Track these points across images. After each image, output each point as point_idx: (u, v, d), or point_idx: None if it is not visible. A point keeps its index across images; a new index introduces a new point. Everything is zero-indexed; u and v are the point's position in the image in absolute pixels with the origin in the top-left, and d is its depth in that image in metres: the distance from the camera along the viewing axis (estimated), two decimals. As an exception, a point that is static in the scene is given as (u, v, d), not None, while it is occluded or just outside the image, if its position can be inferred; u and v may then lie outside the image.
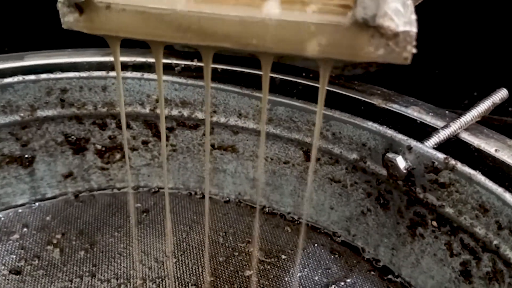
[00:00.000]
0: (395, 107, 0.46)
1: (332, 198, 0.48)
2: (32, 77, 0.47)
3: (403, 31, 0.27)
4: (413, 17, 0.28)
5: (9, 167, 0.49)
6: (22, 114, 0.48)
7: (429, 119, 0.45)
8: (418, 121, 0.45)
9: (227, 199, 0.53)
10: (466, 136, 0.43)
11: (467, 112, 0.44)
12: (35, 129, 0.49)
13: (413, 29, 0.27)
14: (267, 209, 0.52)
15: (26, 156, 0.50)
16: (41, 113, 0.48)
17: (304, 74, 0.49)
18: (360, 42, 0.27)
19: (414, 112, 0.45)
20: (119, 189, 0.54)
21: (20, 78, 0.47)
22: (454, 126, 0.43)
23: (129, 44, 0.52)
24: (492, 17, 0.65)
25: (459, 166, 0.38)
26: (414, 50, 0.27)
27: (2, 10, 0.70)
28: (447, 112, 0.46)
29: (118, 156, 0.53)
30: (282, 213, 0.52)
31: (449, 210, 0.40)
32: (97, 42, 0.53)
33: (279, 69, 0.49)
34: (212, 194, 0.54)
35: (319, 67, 0.30)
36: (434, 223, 0.41)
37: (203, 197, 0.54)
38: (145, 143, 0.52)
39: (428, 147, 0.40)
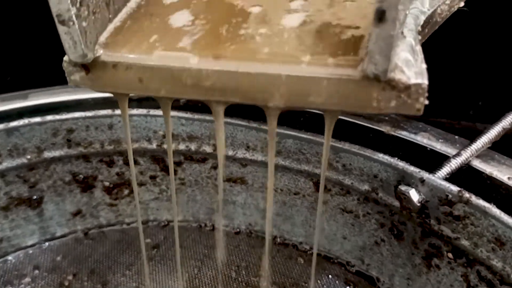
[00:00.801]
0: (404, 134, 0.46)
1: (345, 228, 0.48)
2: (37, 119, 0.47)
3: (415, 84, 0.26)
4: (424, 66, 0.28)
5: (18, 209, 0.49)
6: (29, 157, 0.47)
7: (439, 146, 0.44)
8: (428, 149, 0.44)
9: (238, 230, 0.53)
10: (477, 164, 0.42)
11: (477, 139, 0.43)
12: (42, 170, 0.49)
13: (425, 81, 0.26)
14: (278, 239, 0.52)
15: (35, 197, 0.49)
16: (48, 154, 0.48)
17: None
18: (371, 95, 0.27)
19: (423, 139, 0.45)
20: (128, 224, 0.54)
21: (26, 121, 0.46)
22: (466, 155, 0.42)
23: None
24: (498, 28, 0.64)
25: (474, 199, 0.38)
26: (427, 102, 0.27)
27: (5, 44, 0.69)
28: (456, 137, 0.46)
29: (126, 191, 0.52)
30: (294, 243, 0.51)
31: (464, 242, 0.39)
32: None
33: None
34: (222, 225, 0.54)
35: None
36: (450, 254, 0.41)
37: (213, 229, 0.54)
38: (153, 177, 0.52)
39: (440, 178, 0.40)
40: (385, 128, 0.47)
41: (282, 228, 0.51)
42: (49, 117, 0.47)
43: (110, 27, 0.31)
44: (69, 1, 0.26)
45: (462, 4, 0.40)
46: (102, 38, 0.30)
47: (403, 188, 0.41)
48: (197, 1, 0.34)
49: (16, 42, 0.69)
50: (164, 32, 0.31)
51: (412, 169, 0.41)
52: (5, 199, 0.48)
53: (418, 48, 0.29)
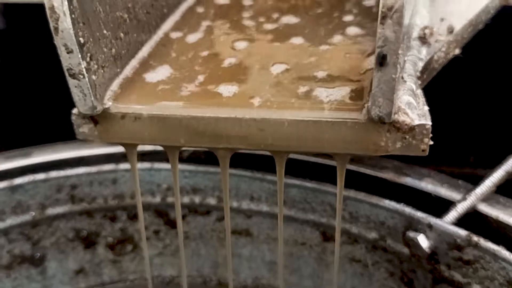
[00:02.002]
0: (408, 181, 0.46)
1: (354, 278, 0.47)
2: (41, 176, 0.47)
3: (418, 125, 0.27)
4: (426, 108, 0.28)
5: (20, 267, 0.48)
6: (32, 214, 0.47)
7: (444, 192, 0.44)
8: (433, 195, 0.44)
9: (244, 284, 0.52)
10: (483, 208, 0.42)
11: (481, 183, 0.43)
12: (46, 227, 0.48)
13: (428, 122, 0.27)
14: (286, 292, 0.51)
15: (37, 254, 0.49)
16: (51, 211, 0.48)
17: (313, 152, 0.49)
18: (376, 137, 0.27)
19: (428, 185, 0.45)
20: (132, 281, 0.53)
21: (30, 177, 0.46)
22: (471, 199, 0.42)
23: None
24: (496, 75, 0.65)
25: (482, 242, 0.38)
26: (431, 142, 0.27)
27: (5, 102, 0.71)
28: (460, 182, 0.46)
29: (129, 247, 0.52)
30: (302, 296, 0.50)
31: (476, 287, 0.38)
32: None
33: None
34: (227, 280, 0.52)
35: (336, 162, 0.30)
36: (463, 301, 0.40)
37: (219, 283, 0.53)
38: (156, 232, 0.51)
39: (448, 223, 0.39)
40: (388, 175, 0.47)
41: (289, 280, 0.50)
42: (53, 174, 0.47)
43: (118, 80, 0.32)
44: (79, 56, 0.27)
45: (457, 51, 0.41)
46: (111, 91, 0.31)
47: (411, 234, 0.40)
48: (202, 60, 0.35)
49: (18, 99, 0.71)
50: (169, 84, 0.31)
51: (419, 214, 0.41)
52: (8, 257, 0.48)
53: (419, 91, 0.30)
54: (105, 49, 0.30)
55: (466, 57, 0.42)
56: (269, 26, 0.39)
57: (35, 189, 0.47)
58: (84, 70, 0.27)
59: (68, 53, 0.27)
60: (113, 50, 0.31)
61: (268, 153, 0.48)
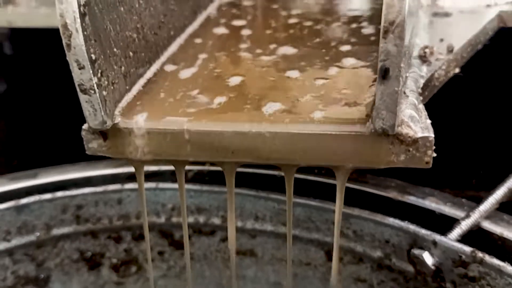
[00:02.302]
0: (412, 200, 0.46)
1: (359, 298, 0.47)
2: (47, 196, 0.47)
3: (421, 137, 0.28)
4: (428, 121, 0.29)
5: (24, 289, 0.48)
6: (38, 234, 0.47)
7: (447, 210, 0.44)
8: (437, 213, 0.44)
9: (248, 306, 0.52)
10: (487, 225, 0.42)
11: (485, 200, 0.43)
12: (50, 248, 0.48)
13: (431, 134, 0.28)
14: (290, 314, 0.50)
15: (42, 276, 0.49)
16: (56, 231, 0.48)
17: (316, 171, 0.50)
18: (381, 150, 0.28)
19: (432, 204, 0.45)
20: (135, 303, 0.53)
21: (36, 198, 0.47)
22: (475, 216, 0.42)
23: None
24: (496, 98, 0.66)
25: (488, 258, 0.38)
26: (434, 154, 0.28)
27: (12, 126, 0.72)
28: (464, 200, 0.46)
29: (133, 269, 0.52)
30: (308, 318, 0.50)
31: (483, 305, 0.38)
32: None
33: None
34: (232, 301, 0.52)
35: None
36: (470, 320, 0.40)
37: (223, 305, 0.52)
38: (161, 253, 0.51)
39: (452, 240, 0.39)
40: (392, 194, 0.47)
41: (294, 302, 0.50)
42: (59, 194, 0.47)
43: (128, 96, 0.32)
44: (91, 71, 0.28)
45: (457, 70, 0.42)
46: (120, 107, 0.31)
47: (416, 251, 0.40)
48: (208, 78, 0.36)
49: (24, 123, 0.72)
50: (177, 100, 0.32)
51: (423, 232, 0.41)
52: (12, 279, 0.47)
53: (421, 106, 0.31)
54: (115, 67, 0.31)
55: (464, 81, 0.43)
56: (265, 59, 0.38)
57: (40, 209, 0.47)
58: (95, 85, 0.28)
59: (79, 69, 0.27)
60: (123, 68, 0.32)
61: (270, 172, 0.49)
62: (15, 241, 0.47)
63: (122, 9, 0.32)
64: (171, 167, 0.50)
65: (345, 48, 0.39)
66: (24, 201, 0.46)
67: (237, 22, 0.48)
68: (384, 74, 0.26)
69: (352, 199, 0.46)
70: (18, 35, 0.72)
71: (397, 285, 0.44)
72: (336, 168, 0.30)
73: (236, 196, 0.47)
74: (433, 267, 0.39)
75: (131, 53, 0.33)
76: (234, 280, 0.36)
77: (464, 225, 0.42)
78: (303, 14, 0.48)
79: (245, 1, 0.54)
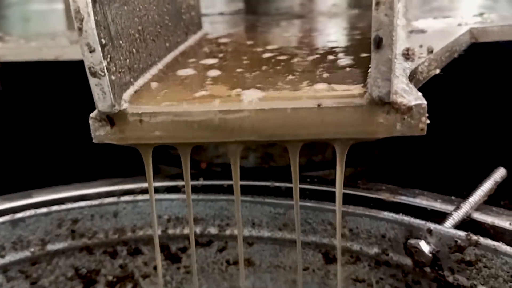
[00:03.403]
0: (403, 199, 0.47)
1: (358, 300, 0.47)
2: (43, 209, 0.47)
3: (415, 104, 0.29)
4: (420, 94, 0.31)
5: (17, 309, 0.47)
6: (32, 250, 0.47)
7: (439, 206, 0.46)
8: (429, 209, 0.46)
9: (247, 319, 0.51)
10: (478, 216, 0.44)
11: (473, 193, 0.45)
12: (45, 265, 0.48)
13: (424, 101, 0.30)
14: (290, 324, 0.50)
15: (35, 295, 0.47)
16: (51, 247, 0.47)
17: (308, 180, 0.51)
18: (378, 120, 0.30)
19: (422, 201, 0.47)
20: (131, 323, 0.51)
21: (32, 212, 0.47)
22: (465, 208, 0.44)
23: (132, 173, 0.54)
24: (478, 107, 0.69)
25: (482, 240, 0.39)
26: (428, 121, 0.30)
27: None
28: (453, 197, 0.48)
29: (129, 286, 0.51)
30: (307, 326, 0.49)
31: (482, 288, 0.39)
32: (101, 174, 0.55)
33: (286, 178, 0.51)
34: (230, 316, 0.51)
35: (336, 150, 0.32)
36: (470, 305, 0.40)
37: (222, 320, 0.52)
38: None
39: (447, 227, 0.41)
40: (384, 196, 0.48)
41: (293, 311, 0.50)
42: (55, 207, 0.47)
43: (131, 89, 0.34)
44: (101, 54, 0.29)
45: (438, 71, 0.45)
46: (125, 96, 0.33)
47: (412, 241, 0.41)
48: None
49: (15, 150, 0.72)
50: (181, 89, 0.34)
51: (418, 222, 0.42)
52: (5, 298, 0.46)
53: (411, 85, 0.33)
54: (121, 57, 0.32)
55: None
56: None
57: (36, 224, 0.47)
58: (104, 68, 0.29)
59: (90, 52, 0.29)
60: (128, 61, 0.33)
61: (264, 183, 0.50)
62: (9, 257, 0.46)
63: (125, 8, 0.34)
64: (165, 183, 0.52)
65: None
66: (19, 215, 0.46)
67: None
68: (378, 44, 0.28)
69: (345, 203, 0.47)
70: (7, 70, 0.73)
71: (396, 281, 0.44)
72: (336, 142, 0.31)
73: (231, 203, 0.49)
74: (430, 255, 0.40)
75: (134, 50, 0.35)
76: (241, 264, 0.36)
77: (456, 216, 0.43)
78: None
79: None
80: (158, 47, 0.41)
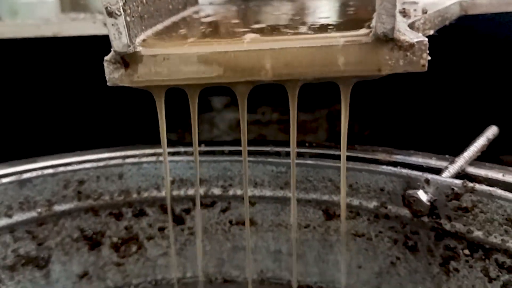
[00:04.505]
0: (399, 158, 0.49)
1: (359, 255, 0.48)
2: (50, 170, 0.48)
3: (417, 41, 0.31)
4: (420, 34, 0.33)
5: (25, 269, 0.48)
6: (39, 210, 0.47)
7: (434, 162, 0.48)
8: (425, 166, 0.48)
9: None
10: (472, 170, 0.45)
11: (467, 149, 0.47)
12: (51, 226, 0.48)
13: (425, 39, 0.31)
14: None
15: (42, 256, 0.48)
16: (58, 208, 0.48)
17: (307, 144, 0.52)
18: (382, 57, 0.31)
19: (418, 159, 0.48)
20: (136, 286, 0.52)
21: (39, 172, 0.47)
22: (460, 162, 0.46)
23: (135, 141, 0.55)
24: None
25: (478, 186, 0.41)
26: (429, 57, 0.31)
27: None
28: (447, 156, 0.49)
29: (134, 248, 0.52)
30: (309, 284, 0.51)
31: (478, 233, 0.41)
32: (100, 143, 0.55)
33: (284, 144, 0.52)
34: (232, 276, 0.53)
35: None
36: (466, 251, 0.42)
37: (224, 281, 0.53)
38: (161, 229, 0.52)
39: (444, 177, 0.42)
40: (380, 156, 0.50)
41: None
42: (61, 168, 0.48)
43: (143, 36, 0.35)
44: (117, -5, 0.30)
45: (432, 32, 0.47)
46: (138, 41, 0.34)
47: (410, 191, 0.43)
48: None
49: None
50: (188, 40, 0.35)
51: (416, 173, 0.44)
52: (12, 257, 0.47)
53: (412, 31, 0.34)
54: (134, 3, 0.33)
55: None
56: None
57: (43, 184, 0.47)
58: (121, 8, 0.31)
59: (107, -8, 0.30)
60: (139, 8, 0.35)
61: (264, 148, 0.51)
62: (17, 217, 0.47)
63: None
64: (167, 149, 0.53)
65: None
66: (26, 175, 0.47)
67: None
68: (382, -19, 0.29)
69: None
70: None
71: (394, 233, 0.46)
72: (341, 80, 0.33)
73: (234, 163, 0.50)
74: (428, 204, 0.42)
75: (144, 1, 0.36)
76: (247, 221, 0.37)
77: (451, 169, 0.45)
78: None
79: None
80: (162, 7, 0.42)
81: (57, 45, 0.65)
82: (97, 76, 0.37)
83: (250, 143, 0.52)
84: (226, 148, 0.52)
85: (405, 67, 0.31)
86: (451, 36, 0.54)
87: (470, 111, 0.69)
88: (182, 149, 0.52)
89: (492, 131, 0.49)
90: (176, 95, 0.37)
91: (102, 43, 0.35)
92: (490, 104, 0.67)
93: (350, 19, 0.42)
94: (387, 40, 0.31)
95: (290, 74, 0.32)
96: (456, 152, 0.49)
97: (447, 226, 0.42)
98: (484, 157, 0.48)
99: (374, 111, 0.76)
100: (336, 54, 0.31)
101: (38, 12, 0.93)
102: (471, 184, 0.41)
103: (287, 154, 0.51)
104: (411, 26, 0.41)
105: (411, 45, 0.31)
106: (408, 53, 0.31)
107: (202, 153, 0.51)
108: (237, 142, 0.53)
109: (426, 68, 0.31)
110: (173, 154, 0.52)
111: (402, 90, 0.69)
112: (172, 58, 0.32)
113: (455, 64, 0.68)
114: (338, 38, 0.31)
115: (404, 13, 0.43)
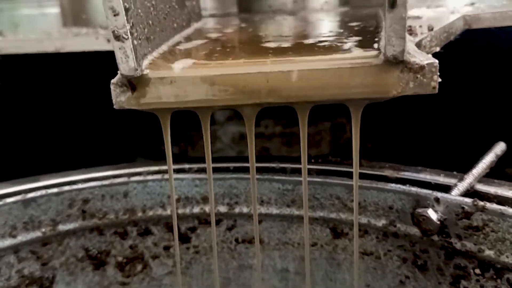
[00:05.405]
0: (407, 175, 0.48)
1: (367, 274, 0.48)
2: (55, 189, 0.47)
3: (427, 63, 0.31)
4: (430, 55, 0.32)
5: (28, 290, 0.47)
6: (43, 230, 0.47)
7: (442, 179, 0.47)
8: (433, 183, 0.47)
9: (256, 298, 0.52)
10: (481, 187, 0.45)
11: (475, 166, 0.47)
12: (56, 245, 0.48)
13: (435, 61, 0.31)
14: (299, 301, 0.51)
15: (46, 276, 0.48)
16: (62, 227, 0.48)
17: (313, 160, 0.52)
18: (391, 79, 0.31)
19: (426, 176, 0.48)
20: (141, 305, 0.52)
21: (43, 192, 0.47)
22: (469, 179, 0.45)
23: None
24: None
25: (489, 205, 0.40)
26: (439, 79, 0.31)
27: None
28: (455, 172, 0.49)
29: (139, 267, 0.51)
30: (316, 302, 0.50)
31: (489, 252, 0.40)
32: (105, 161, 0.55)
33: (289, 160, 0.52)
34: (240, 294, 0.52)
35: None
36: (477, 270, 0.41)
37: (231, 300, 0.52)
38: (166, 248, 0.51)
39: (454, 195, 0.42)
40: (388, 172, 0.49)
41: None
42: (66, 187, 0.48)
43: (149, 58, 0.35)
44: (125, 18, 0.30)
45: (438, 49, 0.47)
46: (145, 64, 0.33)
47: (420, 210, 0.42)
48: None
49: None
50: (201, 53, 0.35)
51: (425, 191, 0.43)
52: (17, 278, 0.46)
53: (419, 50, 0.34)
54: (140, 25, 0.33)
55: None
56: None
57: (47, 204, 0.47)
58: (128, 32, 0.30)
59: (114, 15, 0.30)
60: (146, 30, 0.34)
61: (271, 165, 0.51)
62: (21, 237, 0.46)
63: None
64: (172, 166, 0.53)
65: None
66: (31, 195, 0.46)
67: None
68: (392, 3, 0.29)
69: (350, 179, 0.48)
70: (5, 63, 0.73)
71: (403, 252, 0.45)
72: (351, 103, 0.32)
73: (240, 181, 0.49)
74: (438, 222, 0.42)
75: (150, 22, 0.36)
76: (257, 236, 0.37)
77: (460, 187, 0.44)
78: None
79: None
80: (167, 26, 0.42)
81: (60, 60, 0.65)
82: (99, 91, 0.37)
83: (255, 159, 0.52)
84: (231, 165, 0.52)
85: (415, 89, 0.31)
86: (457, 52, 0.54)
87: (477, 127, 0.69)
88: (186, 165, 0.52)
89: (500, 147, 0.49)
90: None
91: (104, 58, 0.35)
92: (498, 120, 0.66)
93: (356, 36, 0.41)
94: (397, 62, 0.30)
95: (297, 97, 0.32)
96: (462, 167, 0.49)
97: (457, 245, 0.42)
98: (490, 171, 0.48)
99: (377, 123, 0.76)
100: (344, 77, 0.31)
101: (39, 25, 0.93)
102: (481, 203, 0.41)
103: (293, 171, 0.51)
104: (418, 44, 0.41)
105: (422, 67, 0.31)
106: (419, 75, 0.31)
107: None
108: (242, 159, 0.53)
109: (436, 91, 0.31)
110: (178, 171, 0.51)
111: (406, 104, 0.69)
112: (179, 80, 0.32)
113: (460, 79, 0.67)
114: (347, 60, 0.31)
115: (411, 31, 0.43)
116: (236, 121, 0.83)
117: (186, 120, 0.47)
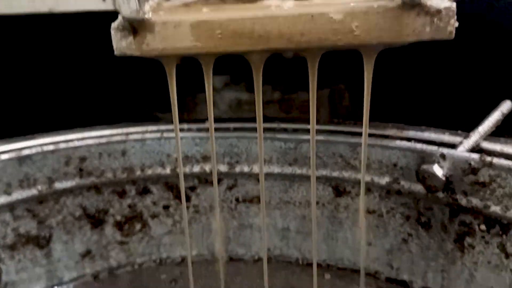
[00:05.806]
0: (411, 134, 0.48)
1: (369, 232, 0.47)
2: (50, 147, 0.46)
3: (445, 7, 0.30)
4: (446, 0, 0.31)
5: (25, 248, 0.46)
6: (39, 188, 0.46)
7: (447, 138, 0.46)
8: (438, 141, 0.46)
9: (256, 257, 0.51)
10: (487, 145, 0.44)
11: (481, 124, 0.46)
12: (52, 204, 0.47)
13: (453, 4, 0.30)
14: (301, 261, 0.50)
15: (43, 235, 0.47)
16: (59, 185, 0.46)
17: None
18: (408, 23, 0.30)
19: (431, 135, 0.47)
20: (140, 265, 0.51)
21: (38, 149, 0.45)
22: (475, 137, 0.44)
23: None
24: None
25: (496, 160, 0.40)
26: (457, 24, 0.30)
27: None
28: (459, 131, 0.48)
29: (138, 226, 0.50)
30: (318, 262, 0.50)
31: (495, 208, 0.40)
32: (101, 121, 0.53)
33: (289, 121, 0.50)
34: (239, 255, 0.52)
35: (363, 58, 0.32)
36: (483, 226, 0.41)
37: (231, 259, 0.52)
38: (166, 207, 0.50)
39: (460, 151, 0.41)
40: (391, 132, 0.49)
41: (303, 248, 0.50)
42: (62, 145, 0.46)
43: (150, 4, 0.33)
44: (126, -44, 0.28)
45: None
46: (146, 8, 0.32)
47: (425, 166, 0.42)
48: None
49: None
50: (197, 8, 0.33)
51: (431, 147, 0.42)
52: (13, 236, 0.45)
53: None
54: (142, -35, 0.31)
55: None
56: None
57: (43, 161, 0.46)
58: (129, -30, 0.28)
59: (115, -48, 0.28)
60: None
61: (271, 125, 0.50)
62: (16, 195, 0.45)
63: None
64: (170, 126, 0.51)
65: None
66: (26, 152, 0.45)
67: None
68: None
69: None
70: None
71: (406, 209, 0.45)
72: (364, 49, 0.31)
73: (241, 140, 0.48)
74: (443, 179, 0.41)
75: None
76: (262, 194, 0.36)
77: (466, 144, 0.43)
78: None
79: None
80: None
81: (55, 19, 0.63)
82: (97, 52, 0.35)
83: (256, 119, 0.50)
84: (231, 125, 0.50)
85: (431, 34, 0.30)
86: (463, 9, 0.53)
87: (483, 86, 0.68)
88: (185, 125, 0.50)
89: (506, 106, 0.48)
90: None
91: (102, 18, 0.33)
92: (504, 79, 0.65)
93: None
94: (414, 5, 0.29)
95: (310, 42, 0.30)
96: (467, 128, 0.48)
97: (463, 201, 0.41)
98: (496, 130, 0.47)
99: (380, 83, 0.75)
100: (359, 20, 0.29)
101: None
102: (489, 158, 0.40)
103: (294, 131, 0.50)
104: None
105: (438, 11, 0.29)
106: (435, 19, 0.29)
107: (207, 130, 0.49)
108: (242, 120, 0.51)
109: (453, 36, 0.30)
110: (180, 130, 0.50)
111: (409, 62, 0.68)
112: (184, 25, 0.30)
113: (467, 36, 0.66)
114: (362, 2, 0.30)
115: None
116: (234, 87, 0.82)
117: (180, 86, 0.45)
